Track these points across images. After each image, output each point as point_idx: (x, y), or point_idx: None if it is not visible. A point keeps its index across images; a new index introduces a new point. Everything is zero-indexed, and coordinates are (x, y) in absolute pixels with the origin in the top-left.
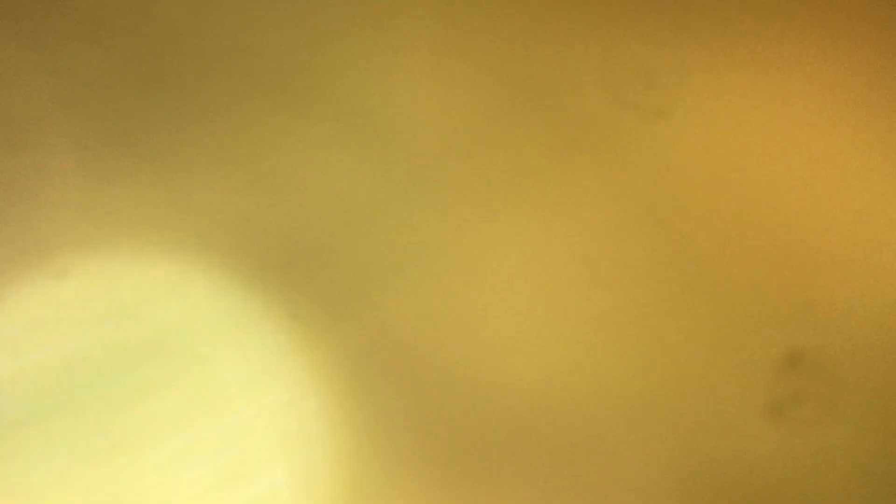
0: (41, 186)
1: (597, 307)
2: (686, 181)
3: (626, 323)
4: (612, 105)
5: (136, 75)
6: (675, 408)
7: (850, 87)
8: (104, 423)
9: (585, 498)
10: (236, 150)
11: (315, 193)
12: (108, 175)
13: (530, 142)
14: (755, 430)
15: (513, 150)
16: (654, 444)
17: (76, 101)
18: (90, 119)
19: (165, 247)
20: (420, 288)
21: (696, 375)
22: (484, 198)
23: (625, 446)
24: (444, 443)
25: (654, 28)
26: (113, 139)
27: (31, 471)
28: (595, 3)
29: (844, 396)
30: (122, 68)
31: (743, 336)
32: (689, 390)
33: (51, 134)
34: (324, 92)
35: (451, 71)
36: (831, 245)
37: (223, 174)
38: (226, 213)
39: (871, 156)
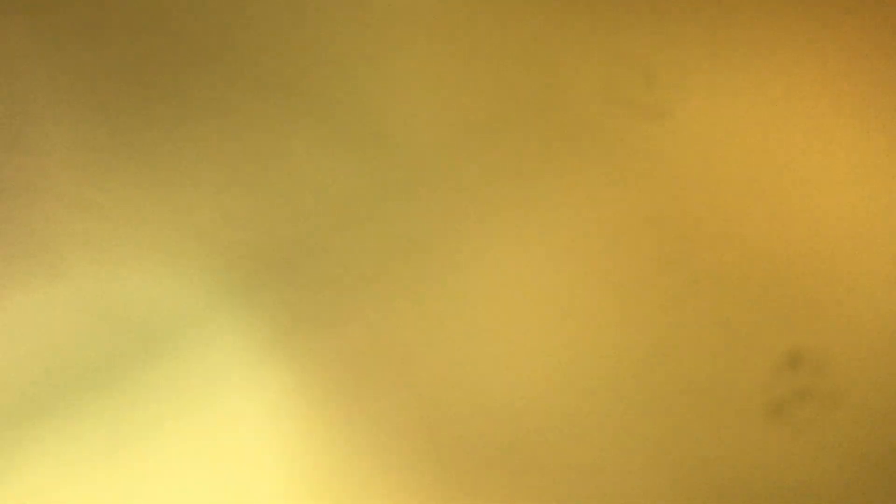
0: (40, 186)
1: (597, 307)
2: (686, 181)
3: (626, 323)
4: (612, 105)
5: (135, 75)
6: (675, 408)
7: (851, 87)
8: (103, 422)
9: (585, 498)
10: (235, 149)
11: (314, 193)
12: (107, 175)
13: (530, 141)
14: (755, 430)
15: (512, 150)
16: (654, 443)
17: (76, 100)
18: (90, 119)
19: (163, 246)
20: (418, 288)
21: (697, 375)
22: (483, 198)
23: (625, 446)
24: (441, 443)
25: (654, 28)
26: (112, 139)
27: (31, 471)
28: (595, 3)
29: (845, 396)
30: (121, 68)
31: (743, 336)
32: (690, 390)
33: (50, 133)
34: (325, 93)
35: (449, 71)
36: (832, 245)
37: (222, 174)
38: (224, 213)
39: (871, 156)
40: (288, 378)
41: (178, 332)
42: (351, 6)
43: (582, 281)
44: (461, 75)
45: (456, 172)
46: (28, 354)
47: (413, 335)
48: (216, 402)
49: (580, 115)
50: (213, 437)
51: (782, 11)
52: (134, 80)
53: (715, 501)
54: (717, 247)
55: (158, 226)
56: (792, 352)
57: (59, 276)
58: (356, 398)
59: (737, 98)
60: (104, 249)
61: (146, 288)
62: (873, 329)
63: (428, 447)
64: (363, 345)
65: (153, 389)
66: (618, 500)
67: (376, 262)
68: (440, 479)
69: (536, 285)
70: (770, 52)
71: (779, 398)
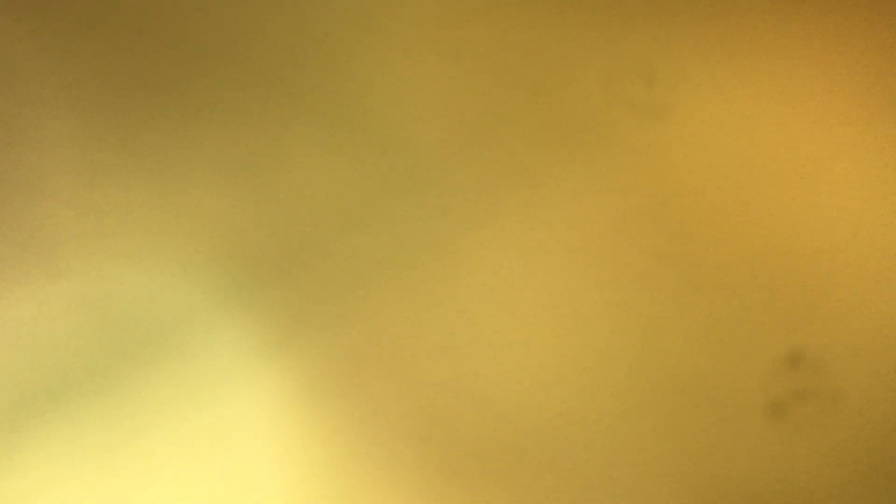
0: (41, 185)
1: (596, 307)
2: (686, 181)
3: (625, 323)
4: (612, 104)
5: (135, 74)
6: (675, 408)
7: (851, 87)
8: (103, 422)
9: (585, 499)
10: (235, 150)
11: (315, 194)
12: (108, 175)
13: (529, 141)
14: (755, 430)
15: (511, 150)
16: (653, 444)
17: (76, 100)
18: (90, 118)
19: (164, 246)
20: (419, 288)
21: (696, 375)
22: (482, 197)
23: (624, 447)
24: (441, 443)
25: (654, 28)
26: (113, 139)
27: (30, 471)
28: (595, 2)
29: (845, 396)
30: (121, 68)
31: (743, 336)
32: (689, 390)
33: (51, 133)
34: (325, 94)
35: (448, 70)
36: (831, 245)
37: (222, 174)
38: (224, 213)
39: (871, 156)
40: (288, 378)
41: (178, 332)
42: (352, 7)
43: (582, 280)
44: (461, 76)
45: (456, 172)
46: (28, 354)
47: (414, 335)
48: (216, 403)
49: (580, 114)
50: (214, 437)
51: (782, 11)
52: (136, 81)
53: (714, 501)
54: (716, 246)
55: (159, 226)
56: (792, 352)
57: (59, 276)
58: (357, 398)
59: (737, 97)
60: (104, 249)
61: (146, 288)
62: (873, 329)
63: (429, 447)
64: (364, 345)
65: (153, 389)
66: (616, 499)
67: (377, 262)
68: (441, 479)
69: (537, 285)
70: (770, 52)
71: (779, 398)
